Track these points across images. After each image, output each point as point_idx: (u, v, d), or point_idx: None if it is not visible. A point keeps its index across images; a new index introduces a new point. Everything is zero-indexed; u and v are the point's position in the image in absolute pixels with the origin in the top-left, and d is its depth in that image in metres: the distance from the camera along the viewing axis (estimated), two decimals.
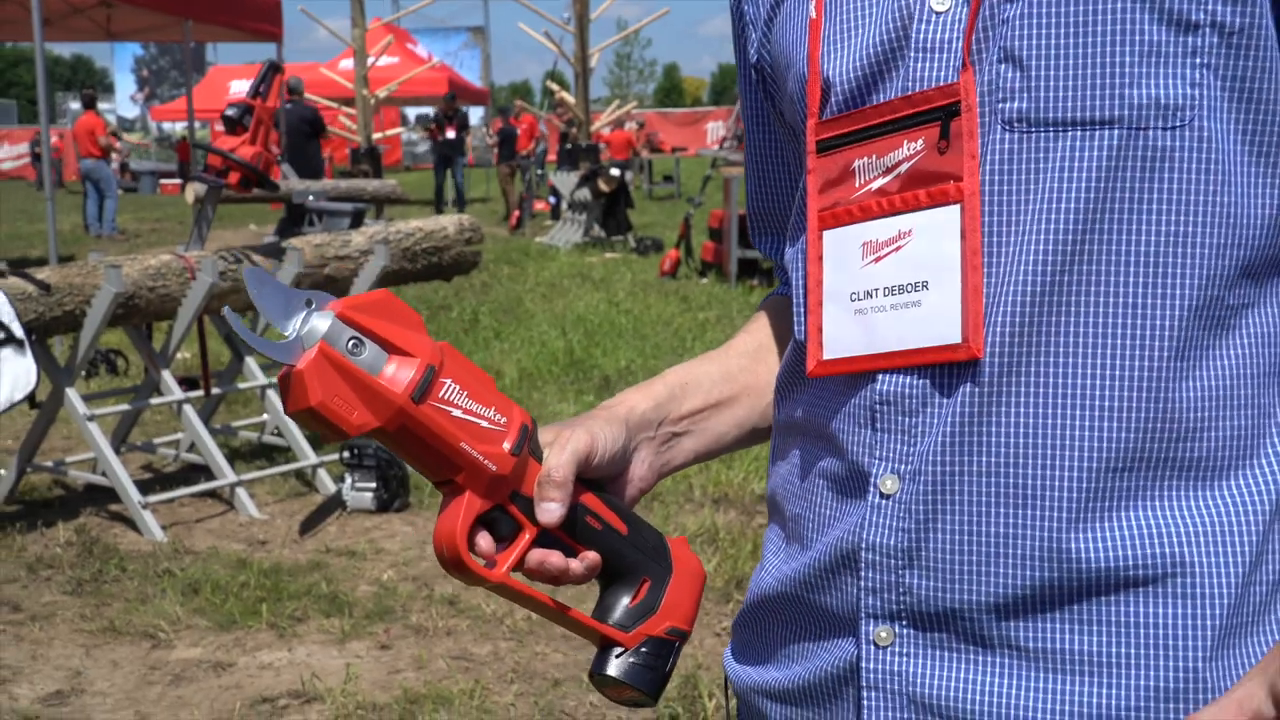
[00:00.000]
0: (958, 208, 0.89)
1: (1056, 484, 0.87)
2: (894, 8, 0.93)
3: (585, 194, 15.56)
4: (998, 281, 0.88)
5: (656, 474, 1.06)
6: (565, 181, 16.33)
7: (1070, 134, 0.87)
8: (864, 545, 0.93)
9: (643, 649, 0.99)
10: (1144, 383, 0.87)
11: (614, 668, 0.98)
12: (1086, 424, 0.87)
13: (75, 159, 19.48)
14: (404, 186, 11.19)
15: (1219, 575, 0.87)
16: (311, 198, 7.87)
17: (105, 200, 17.93)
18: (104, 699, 3.56)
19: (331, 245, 5.71)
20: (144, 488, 5.22)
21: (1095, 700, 0.88)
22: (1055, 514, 0.88)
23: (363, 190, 10.32)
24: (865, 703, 0.94)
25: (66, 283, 4.79)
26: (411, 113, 37.41)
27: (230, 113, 5.81)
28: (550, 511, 0.94)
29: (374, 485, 5.18)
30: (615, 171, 15.70)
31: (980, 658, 0.91)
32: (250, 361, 5.62)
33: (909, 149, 0.92)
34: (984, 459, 0.89)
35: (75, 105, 28.99)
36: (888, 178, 0.93)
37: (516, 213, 18.15)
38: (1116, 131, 0.86)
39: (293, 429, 5.52)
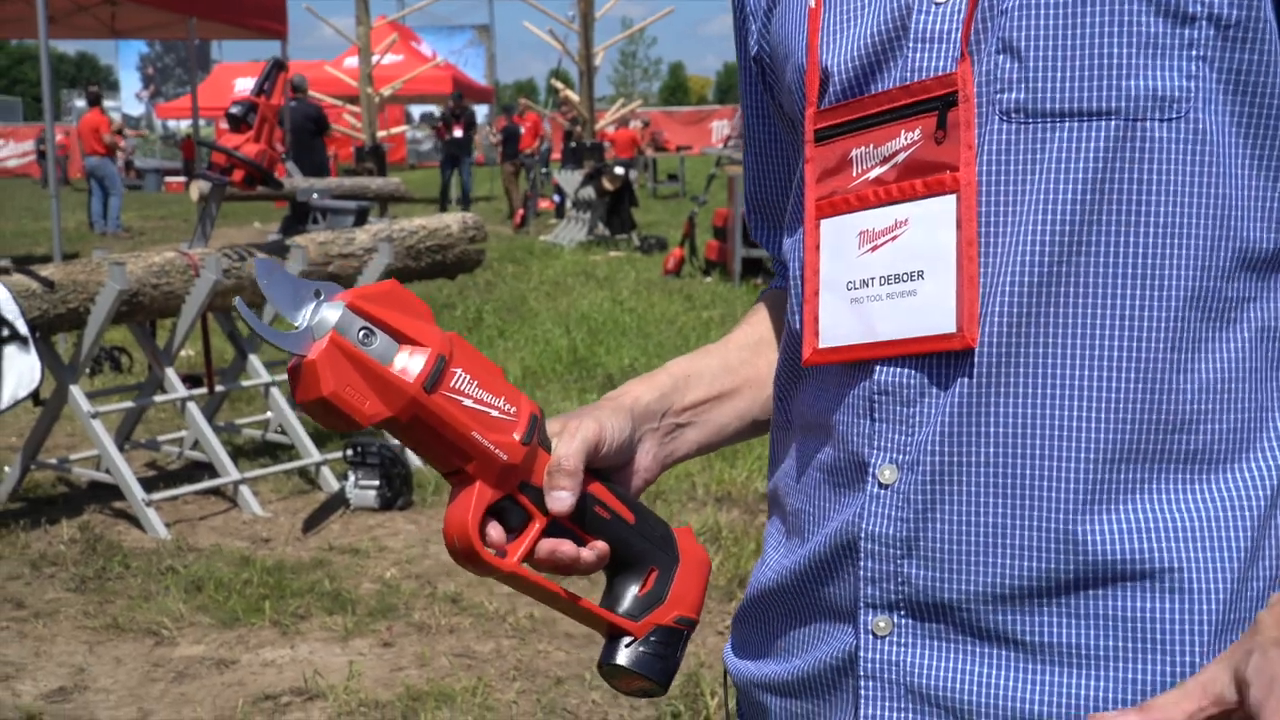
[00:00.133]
0: (954, 198, 0.89)
1: (1055, 475, 0.88)
2: None
3: (589, 192, 15.57)
4: (994, 272, 0.89)
5: (660, 464, 1.07)
6: (570, 180, 16.33)
7: (1067, 125, 0.87)
8: (863, 535, 0.94)
9: (652, 638, 0.98)
10: (1141, 374, 0.87)
11: (624, 657, 0.98)
12: (1084, 415, 0.87)
13: (81, 156, 19.48)
14: (408, 184, 11.19)
15: (1214, 571, 0.88)
16: (316, 195, 7.88)
17: (110, 198, 17.95)
18: (107, 696, 3.57)
19: (335, 243, 5.71)
20: (148, 485, 5.22)
21: (1090, 693, 0.88)
22: (1055, 504, 0.88)
23: (367, 188, 10.32)
24: (863, 692, 0.95)
25: (70, 280, 4.80)
26: (416, 111, 37.43)
27: (234, 110, 5.81)
28: (561, 500, 0.94)
29: (377, 483, 5.18)
30: (619, 170, 15.70)
31: (977, 649, 0.91)
32: (254, 359, 5.62)
33: (906, 139, 0.92)
34: (982, 449, 0.89)
35: (80, 103, 29.00)
36: (885, 167, 0.94)
37: (521, 211, 18.16)
38: (1113, 123, 0.86)
39: (296, 427, 5.52)
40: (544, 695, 3.51)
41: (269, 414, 6.03)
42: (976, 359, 0.89)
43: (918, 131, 0.91)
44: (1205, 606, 0.87)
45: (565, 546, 0.95)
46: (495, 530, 0.93)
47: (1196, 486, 0.88)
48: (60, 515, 5.12)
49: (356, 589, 4.33)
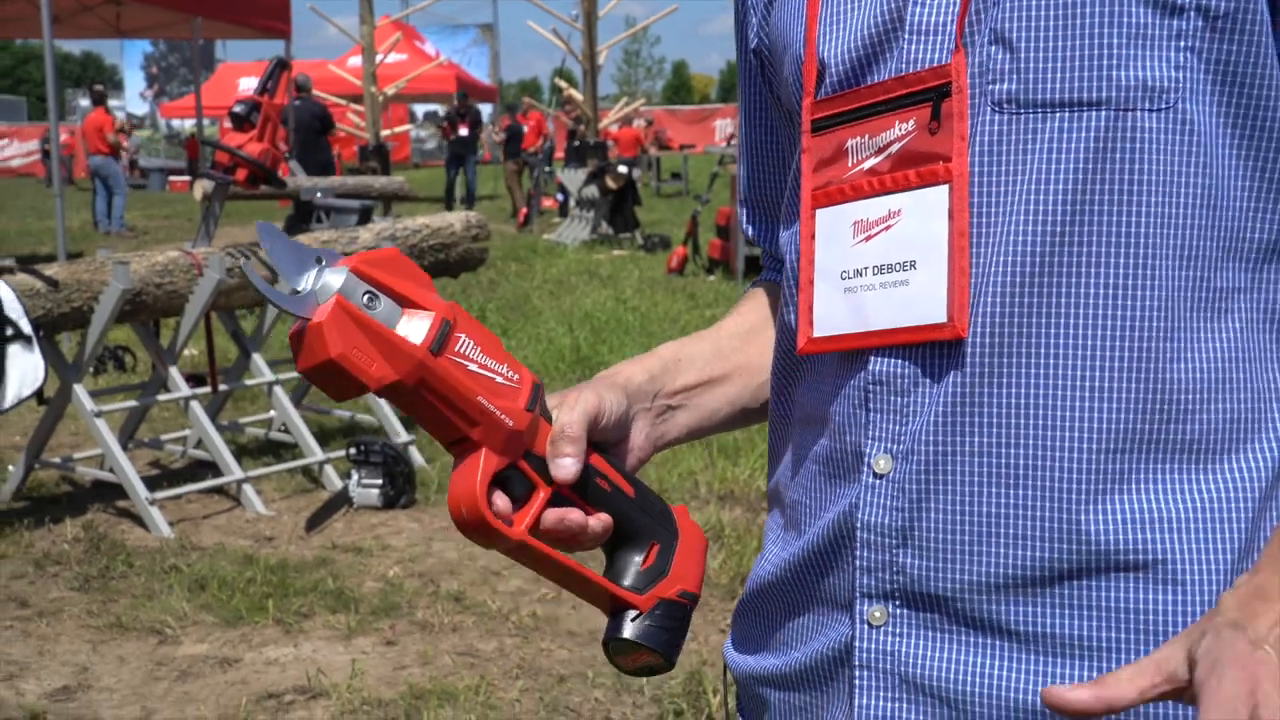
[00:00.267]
0: (946, 188, 0.90)
1: (1048, 464, 0.88)
2: None
3: (593, 191, 15.57)
4: (986, 262, 0.89)
5: (653, 445, 1.07)
6: (573, 179, 16.34)
7: (1057, 115, 0.88)
8: (859, 524, 0.94)
9: (657, 612, 0.97)
10: (1134, 363, 0.87)
11: (630, 631, 0.97)
12: (1077, 404, 0.88)
13: (85, 156, 19.51)
14: (412, 183, 11.20)
15: (1208, 562, 0.88)
16: (319, 194, 7.89)
17: (114, 197, 17.97)
18: (110, 694, 3.57)
19: (339, 242, 5.72)
20: (151, 484, 5.23)
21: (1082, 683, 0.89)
22: (1048, 494, 0.88)
23: (370, 187, 10.33)
24: (858, 682, 0.95)
25: (74, 279, 4.81)
26: (420, 110, 37.45)
27: (238, 110, 5.82)
28: (565, 467, 0.93)
29: (380, 482, 5.19)
30: (623, 169, 15.71)
31: (971, 639, 0.92)
32: (257, 358, 5.63)
33: (900, 129, 0.93)
34: (976, 439, 0.90)
35: (85, 102, 29.02)
36: (879, 157, 0.94)
37: (525, 210, 18.16)
38: (1103, 113, 0.87)
39: (299, 426, 5.53)
40: (547, 693, 3.52)
41: (272, 413, 6.04)
42: (968, 349, 0.89)
43: (912, 122, 0.92)
44: (1199, 598, 0.88)
45: (574, 513, 0.94)
46: (501, 500, 0.91)
47: (1192, 477, 0.89)
48: (64, 514, 5.13)
49: (359, 587, 4.34)
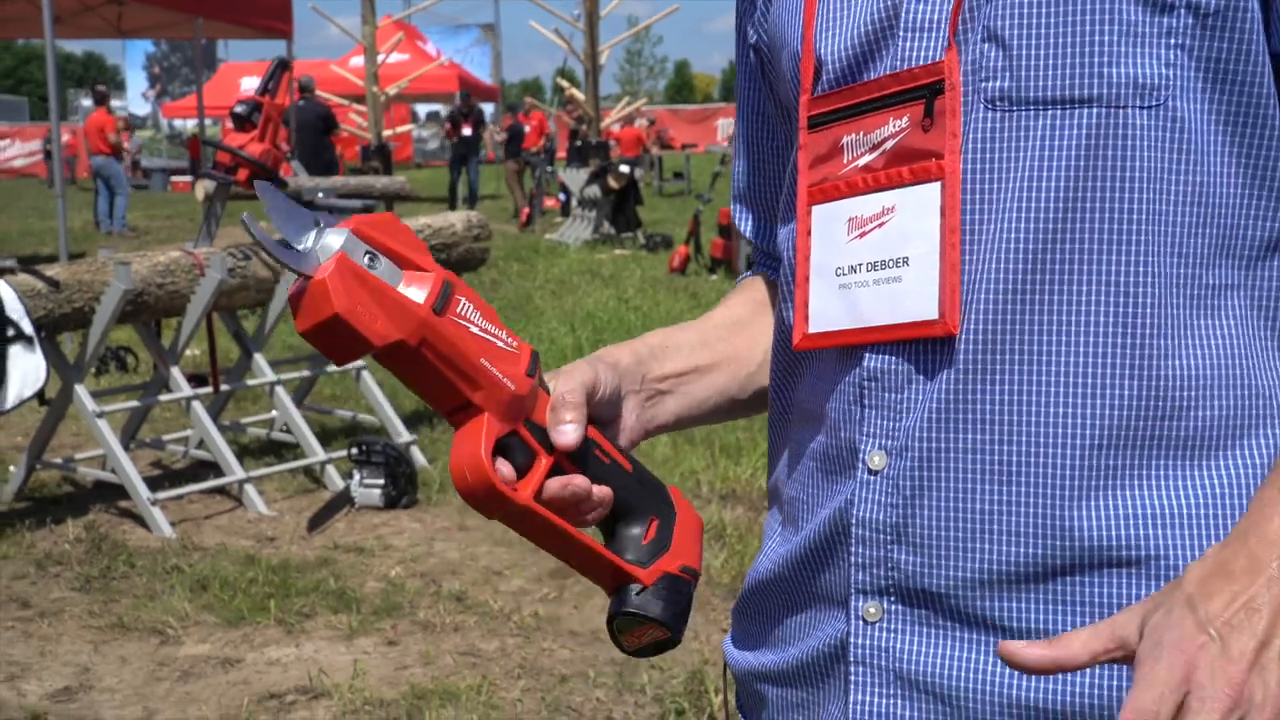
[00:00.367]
0: (939, 185, 0.90)
1: (1042, 461, 0.88)
2: None
3: (595, 191, 15.58)
4: (979, 259, 0.89)
5: (643, 428, 1.06)
6: (575, 178, 16.34)
7: (1050, 113, 0.88)
8: (853, 521, 0.94)
9: (661, 586, 0.96)
10: (1127, 361, 0.87)
11: (635, 604, 0.95)
12: (1070, 401, 0.88)
13: (87, 156, 19.52)
14: (414, 183, 11.21)
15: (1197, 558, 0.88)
16: (321, 194, 7.89)
17: (116, 197, 17.97)
18: (112, 695, 3.57)
19: None
20: (153, 484, 5.23)
21: (1077, 679, 0.89)
22: (1042, 491, 0.88)
23: (372, 187, 10.33)
24: (853, 678, 0.95)
25: (76, 280, 4.81)
26: (422, 110, 37.46)
27: (239, 110, 5.82)
28: (567, 433, 0.92)
29: (382, 482, 5.19)
30: (625, 168, 15.71)
31: (964, 634, 0.92)
32: (259, 358, 5.63)
33: (895, 126, 0.93)
34: (969, 435, 0.90)
35: (87, 102, 29.05)
36: (874, 154, 0.95)
37: (527, 210, 18.17)
38: (1095, 110, 0.87)
39: (301, 426, 5.53)
40: (548, 693, 3.51)
41: (274, 413, 6.04)
42: (961, 345, 0.90)
43: (905, 119, 0.92)
44: None
45: (578, 479, 0.92)
46: (505, 467, 0.90)
47: (1185, 473, 0.89)
48: (65, 515, 5.13)
49: (361, 588, 4.34)
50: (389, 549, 4.75)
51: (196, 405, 5.23)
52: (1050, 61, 0.87)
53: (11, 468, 5.50)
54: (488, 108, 32.03)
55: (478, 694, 3.49)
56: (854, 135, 0.96)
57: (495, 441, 0.89)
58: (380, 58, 20.60)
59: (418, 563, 4.58)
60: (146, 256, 5.08)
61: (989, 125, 0.89)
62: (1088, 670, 0.88)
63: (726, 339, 1.14)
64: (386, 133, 20.93)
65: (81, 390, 4.95)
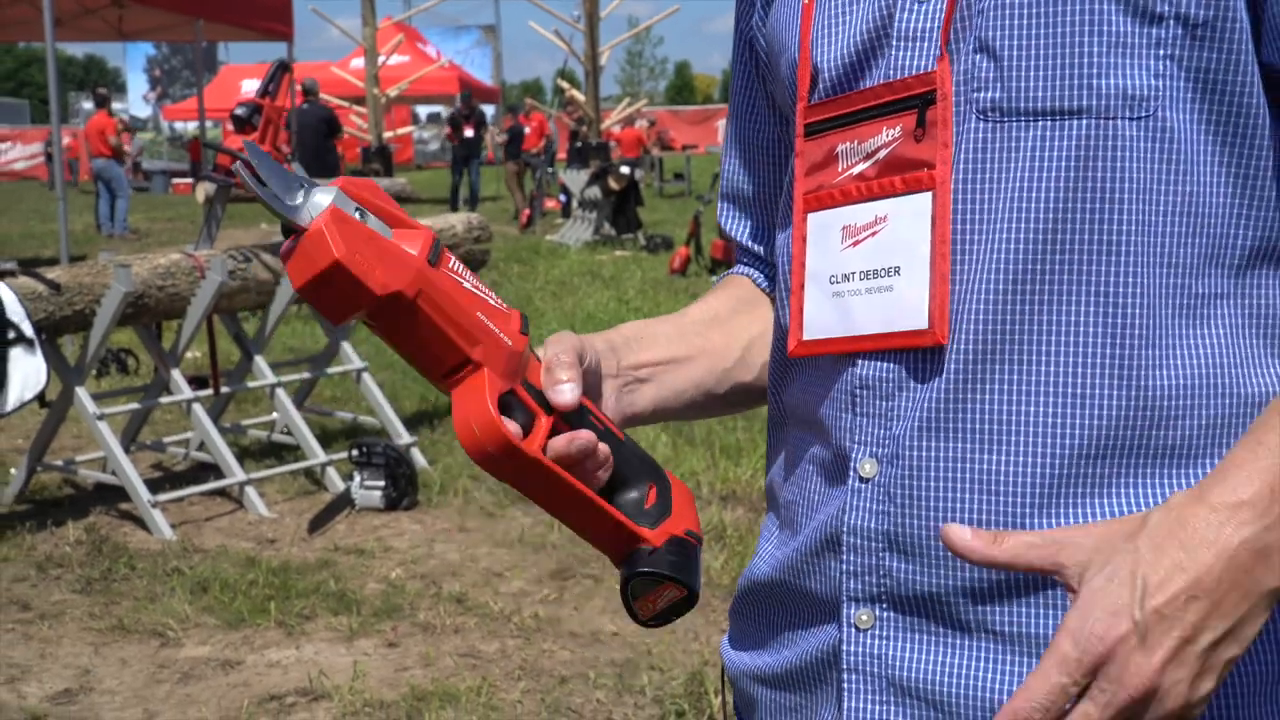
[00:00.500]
0: (930, 195, 0.91)
1: (1031, 470, 0.88)
2: None
3: (595, 192, 15.58)
4: (971, 269, 0.90)
5: (621, 415, 1.05)
6: (576, 179, 16.35)
7: (1040, 124, 0.88)
8: (845, 528, 0.95)
9: (669, 546, 0.94)
10: (1117, 370, 0.87)
11: (649, 564, 0.93)
12: (1059, 411, 0.88)
13: (88, 158, 19.53)
14: (415, 185, 11.21)
15: None
16: None
17: (117, 200, 17.98)
18: (112, 697, 3.58)
19: None
20: (153, 486, 5.23)
21: None
22: (1031, 499, 0.89)
23: None
24: (846, 685, 0.96)
25: (76, 282, 4.81)
26: (423, 111, 37.48)
27: (239, 112, 5.83)
28: (564, 392, 0.92)
29: (382, 484, 5.19)
30: (625, 169, 15.71)
31: (958, 641, 0.92)
32: (259, 360, 5.63)
33: (888, 135, 0.94)
34: (958, 444, 0.90)
35: (88, 105, 29.07)
36: (867, 163, 0.95)
37: (528, 211, 18.17)
38: (1085, 121, 0.87)
39: (302, 428, 5.53)
40: (548, 695, 3.52)
41: (274, 415, 6.04)
42: (951, 355, 0.90)
43: (898, 129, 0.93)
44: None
45: (584, 433, 0.91)
46: (510, 424, 0.88)
47: (1173, 482, 0.89)
48: (66, 517, 5.13)
49: (361, 589, 4.34)
50: (389, 551, 4.75)
51: (197, 407, 5.24)
52: (1040, 72, 0.88)
53: (12, 470, 5.51)
54: (488, 109, 32.05)
55: (478, 695, 3.50)
56: (848, 144, 0.96)
57: (499, 397, 0.88)
58: (381, 59, 20.60)
59: (418, 564, 4.59)
60: (147, 259, 5.08)
61: (981, 136, 0.90)
62: None
63: (704, 334, 1.13)
64: (387, 134, 20.93)
65: (82, 392, 4.95)
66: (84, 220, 18.45)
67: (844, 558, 0.95)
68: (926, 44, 0.92)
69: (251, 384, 5.76)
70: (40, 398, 4.74)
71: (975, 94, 0.90)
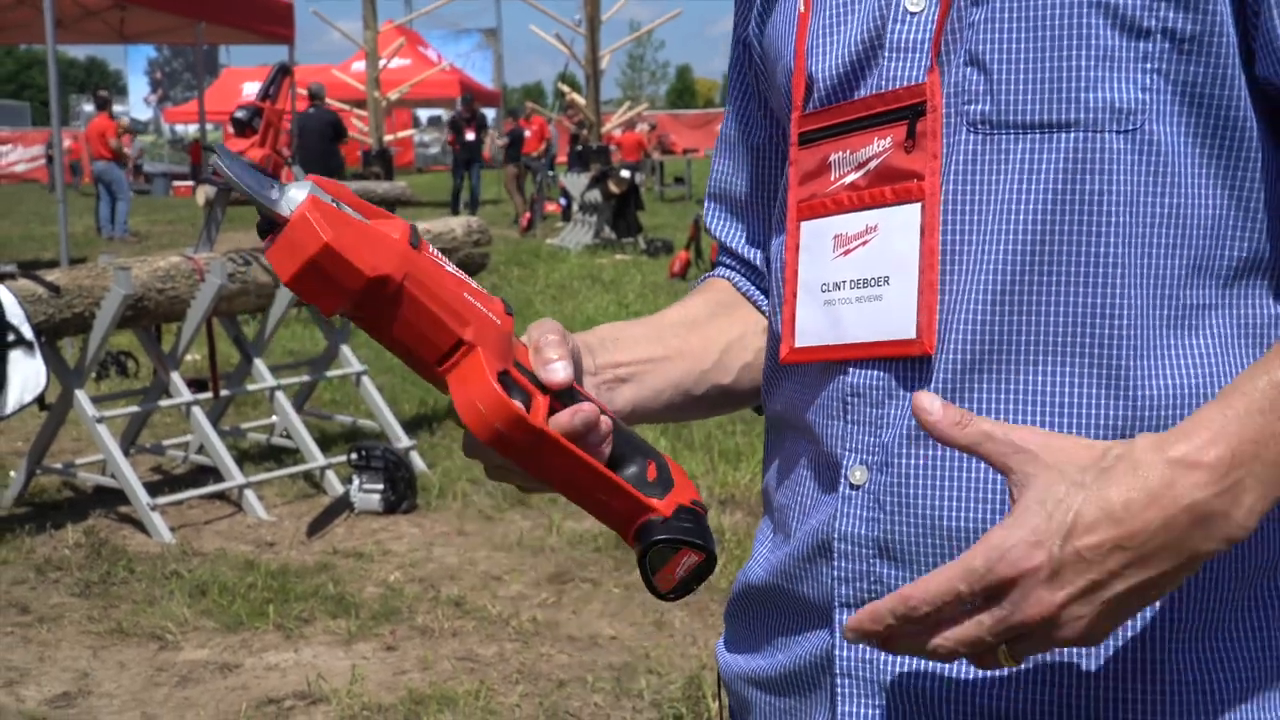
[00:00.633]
0: (919, 206, 0.91)
1: None
2: (875, 5, 0.96)
3: (596, 196, 15.59)
4: (959, 280, 0.90)
5: None
6: (576, 183, 16.36)
7: (1029, 136, 0.89)
8: (836, 535, 0.95)
9: (680, 514, 0.93)
10: (1104, 381, 0.88)
11: (665, 531, 0.91)
12: (1049, 421, 0.88)
13: (89, 161, 19.55)
14: (416, 188, 11.23)
15: None
16: None
17: (117, 202, 18.00)
18: (111, 700, 3.58)
19: None
20: (153, 489, 5.23)
21: (1059, 691, 0.89)
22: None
23: (373, 192, 10.34)
24: (839, 690, 0.96)
25: (76, 285, 4.81)
26: (424, 115, 37.50)
27: (239, 115, 5.85)
28: (557, 371, 0.91)
29: (381, 487, 5.19)
30: (625, 173, 15.72)
31: None
32: (259, 363, 5.63)
33: (879, 145, 0.94)
34: (947, 452, 0.90)
35: (89, 107, 29.09)
36: (859, 173, 0.96)
37: (528, 214, 18.19)
38: (1073, 134, 0.88)
39: (301, 431, 5.53)
40: (546, 698, 3.52)
41: (274, 418, 6.05)
42: (940, 365, 0.90)
43: (889, 139, 0.93)
44: (1174, 606, 0.88)
45: (587, 405, 0.90)
46: (515, 404, 0.87)
47: None
48: (65, 520, 5.13)
49: (360, 593, 4.34)
50: (388, 554, 4.75)
51: (196, 410, 5.24)
52: (1029, 86, 0.88)
53: (12, 473, 5.51)
54: (489, 112, 32.07)
55: (476, 699, 3.50)
56: (841, 153, 0.97)
57: (497, 374, 0.87)
58: (381, 63, 20.62)
59: (416, 568, 4.59)
60: (147, 262, 5.09)
61: (970, 148, 0.90)
62: (1071, 680, 0.89)
63: (682, 335, 1.13)
64: (388, 138, 20.94)
65: (82, 395, 4.96)
66: (84, 223, 18.47)
67: (835, 563, 0.95)
68: (917, 56, 0.93)
69: (251, 387, 5.77)
70: (40, 400, 4.74)
71: (965, 106, 0.90)
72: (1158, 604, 0.88)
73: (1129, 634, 0.88)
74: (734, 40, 1.18)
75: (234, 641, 3.96)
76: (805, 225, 0.99)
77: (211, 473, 5.52)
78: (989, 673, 0.91)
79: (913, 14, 0.93)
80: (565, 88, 21.07)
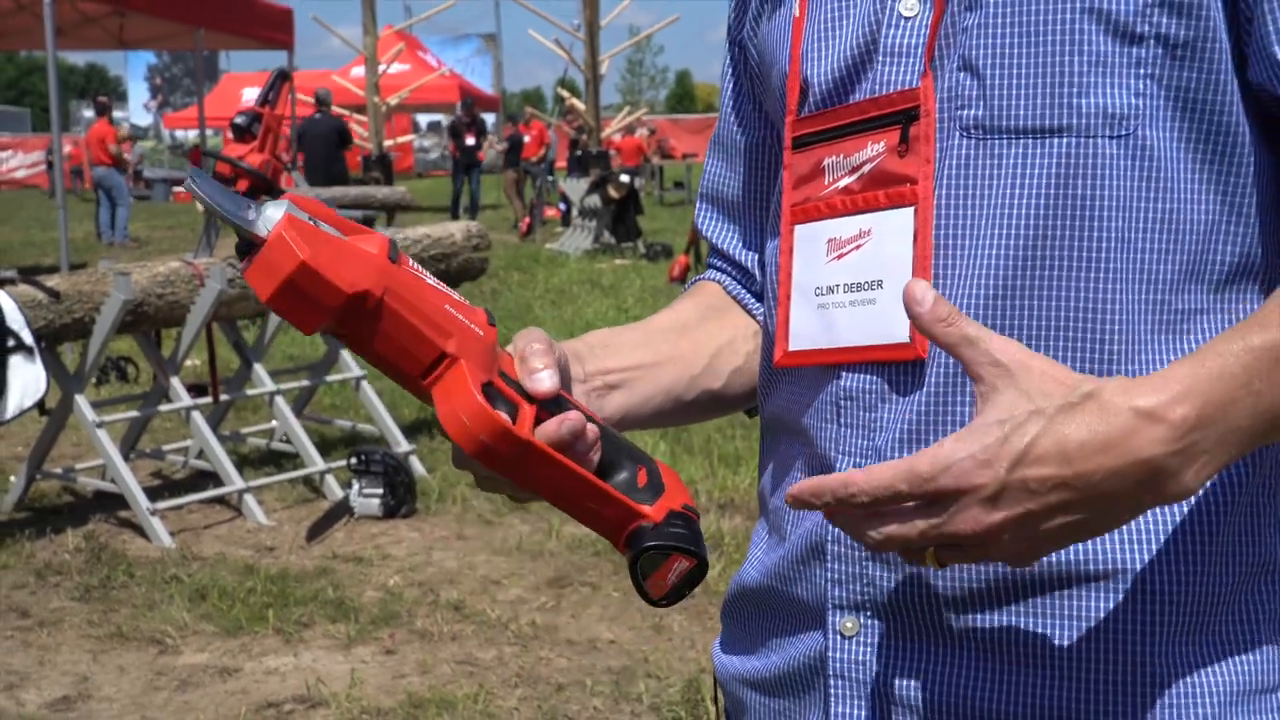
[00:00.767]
0: (912, 210, 0.91)
1: None
2: (870, 10, 0.96)
3: (595, 200, 15.60)
4: (952, 284, 0.91)
5: None
6: (575, 188, 16.37)
7: (1022, 142, 0.89)
8: (829, 537, 0.96)
9: (670, 520, 0.92)
10: None
11: (655, 538, 0.90)
12: None
13: (89, 167, 19.56)
14: (416, 193, 11.23)
15: (1171, 574, 0.89)
16: None
17: (117, 208, 18.00)
18: (110, 704, 3.58)
19: None
20: (152, 494, 5.24)
21: (1049, 692, 0.90)
22: None
23: (372, 197, 10.36)
24: (832, 692, 0.97)
25: (76, 290, 4.82)
26: (423, 120, 37.52)
27: (239, 120, 5.84)
28: (543, 380, 0.90)
29: (381, 492, 5.20)
30: (625, 178, 15.73)
31: (942, 649, 0.93)
32: (259, 368, 5.64)
33: (873, 150, 0.95)
34: None
35: (89, 113, 29.11)
36: (853, 177, 0.96)
37: (528, 219, 18.19)
38: (1066, 140, 0.88)
39: (301, 436, 5.54)
40: (545, 702, 3.52)
41: (274, 423, 6.05)
42: (931, 368, 0.91)
43: (883, 144, 0.94)
44: (1164, 608, 0.89)
45: (573, 414, 0.89)
46: (499, 415, 0.86)
47: None
48: (65, 524, 5.14)
49: (359, 597, 4.35)
50: (387, 558, 4.76)
51: (196, 415, 5.25)
52: (1022, 91, 0.89)
53: (12, 478, 5.52)
54: (489, 118, 32.07)
55: (475, 703, 3.50)
56: (835, 157, 0.97)
57: (481, 386, 0.86)
58: (381, 68, 20.61)
59: (416, 572, 4.59)
60: (146, 267, 5.09)
61: (964, 152, 0.91)
62: (1060, 681, 0.90)
63: (672, 341, 1.12)
64: (388, 143, 20.94)
65: (82, 400, 4.96)
66: (84, 228, 18.47)
67: (829, 565, 0.96)
68: (911, 60, 0.93)
69: (250, 392, 5.77)
70: (40, 405, 4.75)
71: (959, 111, 0.91)
72: (1147, 606, 0.89)
73: (1118, 635, 0.89)
74: (728, 42, 1.18)
75: (233, 646, 3.96)
76: (799, 229, 1.00)
77: (211, 477, 5.52)
78: (980, 675, 0.91)
79: (907, 19, 0.93)
80: (565, 93, 21.06)
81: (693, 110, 74.84)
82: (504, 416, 0.86)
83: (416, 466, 5.76)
